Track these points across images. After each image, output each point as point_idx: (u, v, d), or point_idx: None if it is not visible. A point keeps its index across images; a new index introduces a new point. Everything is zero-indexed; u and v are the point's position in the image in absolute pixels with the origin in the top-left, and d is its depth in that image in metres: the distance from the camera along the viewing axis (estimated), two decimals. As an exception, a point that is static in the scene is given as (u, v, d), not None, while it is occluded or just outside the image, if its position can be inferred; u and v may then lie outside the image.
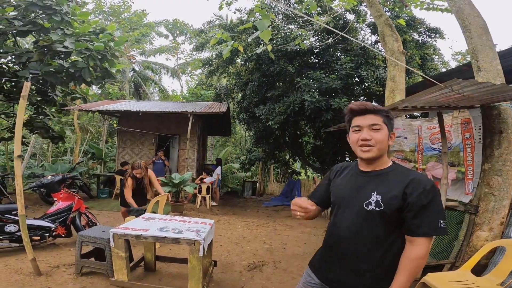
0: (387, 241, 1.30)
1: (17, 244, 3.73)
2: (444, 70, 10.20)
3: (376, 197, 1.28)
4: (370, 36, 10.25)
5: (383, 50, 5.57)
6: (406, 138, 4.57)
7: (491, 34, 3.31)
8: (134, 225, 2.91)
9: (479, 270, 2.83)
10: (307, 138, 12.76)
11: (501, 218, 3.01)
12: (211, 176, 9.51)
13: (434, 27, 9.73)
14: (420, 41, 9.74)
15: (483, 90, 2.35)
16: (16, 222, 3.69)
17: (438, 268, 3.23)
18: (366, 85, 8.55)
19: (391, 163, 1.38)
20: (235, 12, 15.80)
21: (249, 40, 7.88)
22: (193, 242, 2.59)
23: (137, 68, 20.49)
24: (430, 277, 2.58)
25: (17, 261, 3.56)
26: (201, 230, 2.85)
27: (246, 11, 10.69)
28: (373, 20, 7.76)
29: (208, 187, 8.61)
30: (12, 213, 3.74)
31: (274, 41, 8.88)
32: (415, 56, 8.87)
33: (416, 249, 1.23)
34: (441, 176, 3.24)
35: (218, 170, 9.93)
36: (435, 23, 16.16)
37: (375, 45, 9.82)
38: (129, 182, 4.30)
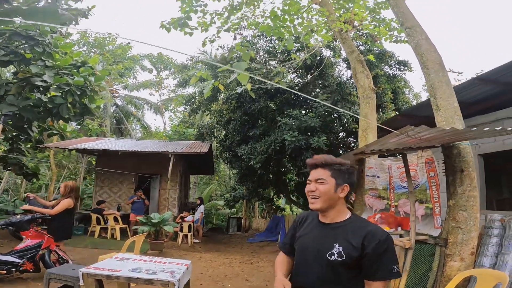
0: (348, 286, 1.41)
1: None
2: (415, 102, 10.73)
3: (338, 248, 1.39)
4: (346, 71, 10.69)
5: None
6: (378, 176, 4.78)
7: (446, 70, 3.53)
8: (105, 265, 2.81)
9: None
10: (291, 175, 12.87)
11: (471, 248, 3.08)
12: (193, 214, 9.34)
13: (403, 60, 10.34)
14: (391, 75, 10.24)
15: (437, 134, 2.54)
16: None
17: None
18: (344, 121, 8.89)
19: (349, 215, 1.49)
20: (217, 49, 16.37)
21: (227, 81, 8.27)
22: (167, 283, 2.52)
23: (119, 103, 20.22)
24: None
25: None
26: (176, 271, 2.79)
27: (228, 48, 11.13)
28: (347, 55, 8.21)
29: (189, 225, 8.42)
30: None
31: (256, 77, 9.25)
32: (387, 90, 9.28)
33: None
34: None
35: (201, 208, 9.84)
36: (404, 56, 17.32)
37: (350, 80, 10.12)
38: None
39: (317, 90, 10.17)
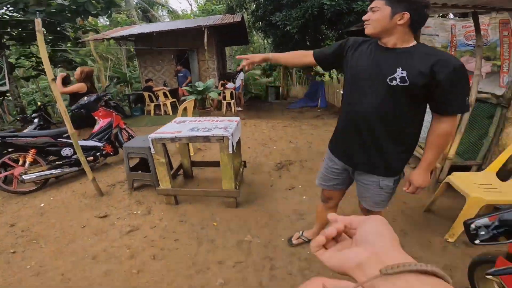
0: (408, 117, 1.37)
1: (76, 168, 3.91)
2: None
3: (402, 73, 1.30)
4: None
5: None
6: (437, 35, 4.27)
7: None
8: (168, 129, 3.03)
9: (506, 175, 2.61)
10: (329, 41, 11.95)
11: None
12: (233, 81, 9.57)
13: None
14: None
15: None
16: (70, 145, 3.82)
17: (464, 169, 3.11)
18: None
19: (415, 42, 1.37)
20: None
21: None
22: (222, 138, 2.73)
23: (141, -8, 18.88)
24: (454, 177, 2.48)
25: (81, 185, 3.82)
26: (228, 126, 2.96)
27: None
28: None
29: (231, 93, 8.74)
30: (63, 136, 3.83)
31: None
32: None
33: (444, 126, 1.34)
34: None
35: (241, 75, 9.85)
36: None
37: None
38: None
39: None
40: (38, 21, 2.64)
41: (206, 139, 2.76)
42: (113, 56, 15.63)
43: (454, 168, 2.92)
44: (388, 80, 1.33)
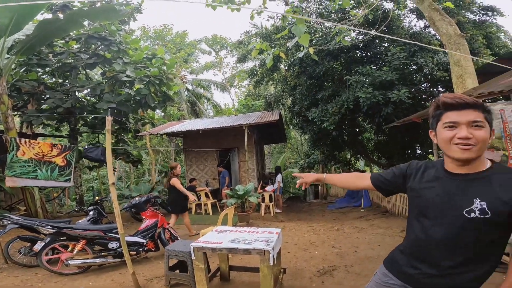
0: (490, 244, 1.21)
1: (119, 259, 4.23)
2: None
3: (481, 204, 1.15)
4: (416, 21, 9.76)
5: (437, 34, 5.19)
6: None
7: None
8: (209, 239, 3.16)
9: None
10: (368, 134, 12.25)
11: None
12: (272, 184, 9.67)
13: (489, 5, 9.05)
14: (478, 21, 9.04)
15: None
16: (117, 239, 4.16)
17: None
18: (426, 71, 7.97)
19: (490, 163, 1.23)
20: (268, 20, 15.97)
21: (289, 46, 8.00)
22: (263, 252, 2.74)
23: (189, 87, 21.71)
24: None
25: (120, 275, 4.01)
26: (269, 239, 2.99)
27: (279, 17, 10.78)
28: (416, 5, 7.30)
29: (270, 195, 8.79)
30: (113, 231, 4.22)
31: (314, 41, 8.84)
32: (477, 36, 8.18)
33: None
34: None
35: (279, 177, 10.06)
36: (487, 2, 14.54)
37: (426, 30, 9.19)
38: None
39: (386, 44, 9.23)
40: (108, 120, 3.07)
41: (247, 251, 2.81)
42: (164, 150, 17.09)
43: None
44: (464, 212, 1.17)
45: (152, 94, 7.33)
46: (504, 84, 2.39)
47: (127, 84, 7.38)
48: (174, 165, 5.94)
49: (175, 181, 5.64)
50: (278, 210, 9.26)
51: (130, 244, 4.27)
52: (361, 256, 4.45)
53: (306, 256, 4.64)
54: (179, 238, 5.04)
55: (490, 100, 6.18)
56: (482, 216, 1.14)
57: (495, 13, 9.06)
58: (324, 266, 4.10)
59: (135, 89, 7.50)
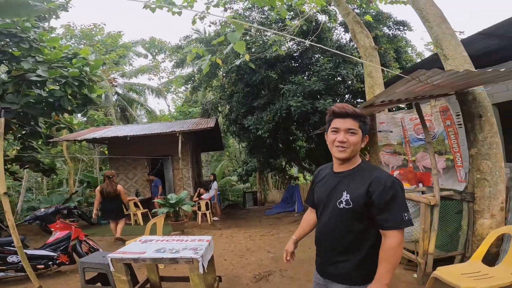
0: (359, 234, 1.43)
1: (22, 273, 3.86)
2: (419, 60, 10.51)
3: (346, 196, 1.41)
4: (344, 34, 10.48)
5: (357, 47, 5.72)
6: (391, 131, 4.65)
7: (449, 23, 3.36)
8: (131, 249, 2.95)
9: (491, 259, 2.75)
10: (300, 142, 12.86)
11: (499, 203, 2.94)
12: (208, 191, 9.48)
13: (401, 20, 10.10)
14: (391, 35, 10.04)
15: (450, 78, 2.40)
16: (17, 252, 3.82)
17: (448, 260, 3.18)
18: (349, 83, 8.70)
19: (359, 162, 1.49)
20: (209, 26, 15.83)
21: (224, 52, 8.09)
22: (191, 260, 2.62)
23: (120, 91, 20.18)
24: (440, 271, 2.51)
25: None
26: (198, 247, 2.88)
27: (221, 23, 10.79)
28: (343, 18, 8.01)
29: (207, 203, 8.60)
30: (12, 244, 3.84)
31: (253, 49, 9.02)
32: (389, 50, 9.15)
33: (388, 241, 1.35)
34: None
35: (215, 185, 9.93)
36: (401, 17, 16.85)
37: (350, 43, 10.04)
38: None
39: (317, 55, 9.90)
40: (1, 121, 2.64)
41: (173, 260, 2.67)
42: (86, 157, 15.44)
43: (438, 261, 3.04)
44: (337, 203, 1.43)
45: (69, 97, 6.56)
46: (400, 92, 2.72)
47: (38, 85, 6.49)
48: (111, 173, 6.23)
49: (122, 189, 6.10)
50: (215, 218, 9.11)
51: (37, 258, 4.08)
52: (295, 259, 4.52)
53: (242, 262, 4.63)
54: (100, 249, 4.64)
55: (394, 109, 7.01)
56: (346, 206, 1.40)
57: (405, 28, 10.09)
58: (260, 271, 4.12)
59: (47, 90, 6.63)
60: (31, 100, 6.30)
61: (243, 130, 10.19)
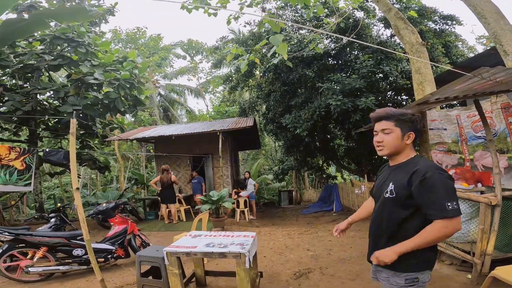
0: (404, 222, 1.49)
1: (85, 267, 4.10)
2: (471, 55, 9.80)
3: (391, 186, 1.52)
4: (384, 30, 10.11)
5: (401, 43, 5.50)
6: (445, 129, 4.39)
7: (507, 19, 3.19)
8: (183, 243, 3.09)
9: None
10: (338, 140, 12.59)
11: None
12: (245, 189, 9.64)
13: (449, 14, 9.53)
14: (438, 30, 9.53)
15: None
16: (82, 246, 4.06)
17: (506, 261, 3.04)
18: (391, 79, 8.37)
19: (411, 156, 1.58)
20: (245, 26, 15.96)
21: (268, 55, 8.16)
22: (238, 255, 2.71)
23: (162, 92, 21.14)
24: (500, 271, 2.48)
25: (87, 282, 3.86)
26: (244, 243, 2.96)
27: (255, 23, 10.84)
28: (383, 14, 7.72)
29: (245, 201, 8.75)
30: (77, 238, 4.08)
31: (289, 48, 9.01)
32: (437, 45, 8.69)
33: (430, 229, 1.39)
34: (492, 165, 3.08)
35: (251, 181, 10.00)
36: (448, 11, 15.63)
37: (392, 39, 9.66)
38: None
39: (355, 52, 9.62)
40: (73, 122, 2.89)
41: (222, 255, 2.78)
42: (134, 156, 16.46)
43: (495, 262, 2.95)
44: (384, 193, 1.55)
45: (122, 98, 7.05)
46: (458, 89, 2.57)
47: (95, 87, 7.04)
48: (166, 167, 8.00)
49: (174, 178, 7.92)
50: (252, 217, 9.20)
51: (97, 251, 4.16)
52: (335, 258, 4.54)
53: (282, 259, 4.66)
54: (151, 244, 4.88)
55: (445, 106, 6.60)
56: (391, 196, 1.51)
57: (454, 22, 9.56)
58: (300, 269, 4.13)
59: (103, 93, 7.17)
60: (89, 102, 6.84)
61: (281, 128, 10.22)
